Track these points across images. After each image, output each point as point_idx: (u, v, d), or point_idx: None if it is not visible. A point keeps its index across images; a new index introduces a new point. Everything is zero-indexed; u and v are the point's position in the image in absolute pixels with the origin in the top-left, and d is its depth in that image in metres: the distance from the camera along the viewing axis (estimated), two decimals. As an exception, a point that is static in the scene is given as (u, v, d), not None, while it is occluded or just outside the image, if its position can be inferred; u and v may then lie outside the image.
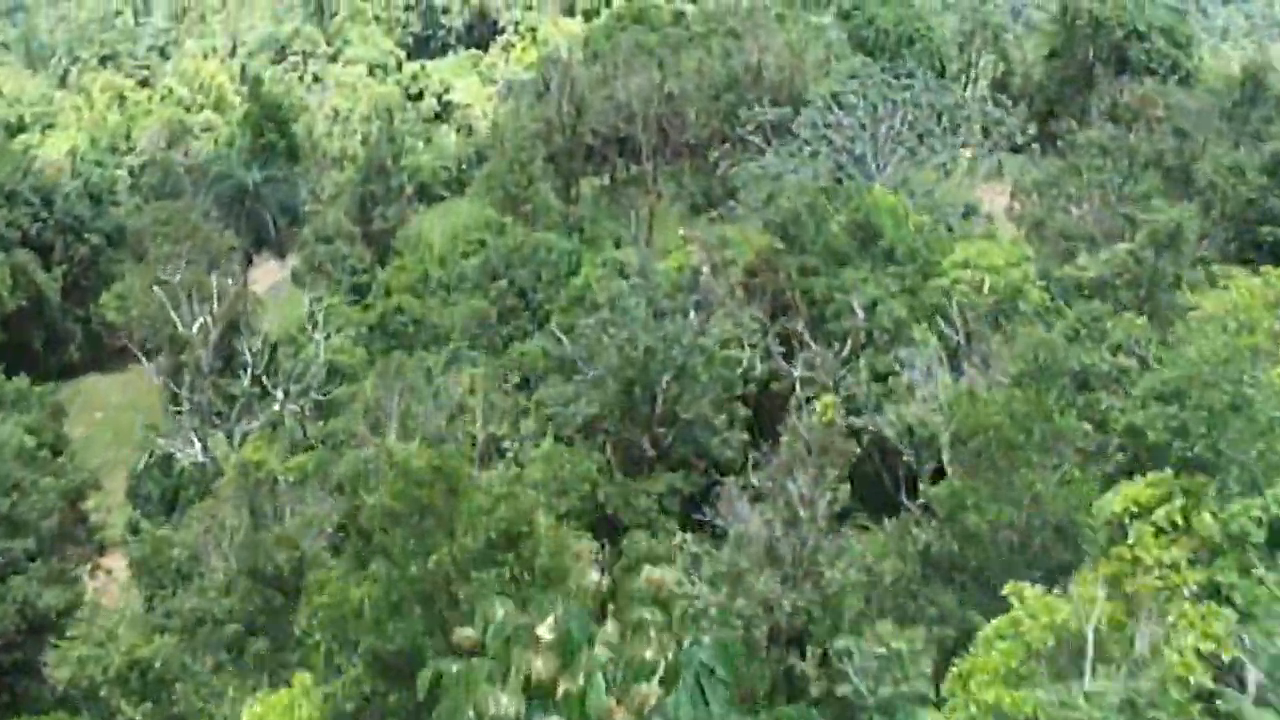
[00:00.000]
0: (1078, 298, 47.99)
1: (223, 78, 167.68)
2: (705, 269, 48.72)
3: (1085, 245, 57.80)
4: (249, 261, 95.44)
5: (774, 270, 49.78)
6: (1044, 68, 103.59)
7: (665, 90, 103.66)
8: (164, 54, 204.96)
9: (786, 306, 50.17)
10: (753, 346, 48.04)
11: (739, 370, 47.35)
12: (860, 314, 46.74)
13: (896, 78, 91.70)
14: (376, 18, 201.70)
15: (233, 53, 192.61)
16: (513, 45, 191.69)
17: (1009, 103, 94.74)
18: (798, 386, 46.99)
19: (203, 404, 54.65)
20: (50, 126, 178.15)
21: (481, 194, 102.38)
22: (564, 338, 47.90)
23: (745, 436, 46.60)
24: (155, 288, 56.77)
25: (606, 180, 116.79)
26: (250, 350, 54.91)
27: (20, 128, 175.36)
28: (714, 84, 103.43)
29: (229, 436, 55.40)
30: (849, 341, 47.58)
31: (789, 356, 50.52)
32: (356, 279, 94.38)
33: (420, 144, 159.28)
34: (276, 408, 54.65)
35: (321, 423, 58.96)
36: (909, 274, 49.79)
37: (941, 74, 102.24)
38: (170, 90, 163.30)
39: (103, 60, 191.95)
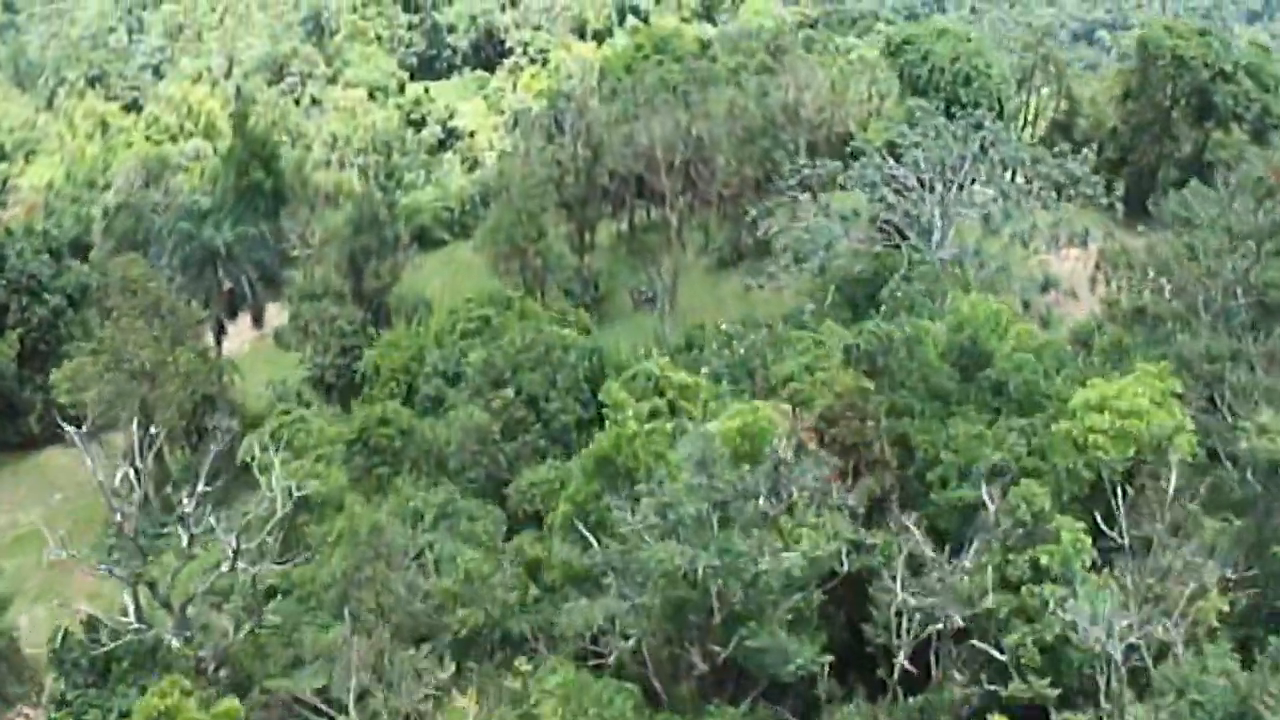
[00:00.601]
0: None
1: (212, 103, 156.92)
2: (782, 445, 37.29)
3: (1229, 364, 46.82)
4: (221, 330, 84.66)
5: (861, 417, 38.62)
6: (1118, 110, 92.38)
7: (693, 133, 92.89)
8: (158, 73, 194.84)
9: (874, 462, 38.98)
10: (831, 529, 36.50)
11: (816, 555, 35.95)
12: (991, 502, 35.20)
13: (951, 118, 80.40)
14: (378, 37, 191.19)
15: (228, 73, 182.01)
16: (521, 68, 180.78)
17: (1083, 152, 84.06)
18: (899, 586, 35.54)
19: (130, 570, 43.88)
20: (33, 153, 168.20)
21: (486, 245, 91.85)
22: (590, 537, 36.29)
23: (828, 658, 35.33)
24: (71, 432, 46.59)
25: (625, 225, 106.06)
26: (184, 507, 44.01)
27: (1, 155, 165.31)
28: (747, 126, 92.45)
29: (167, 606, 44.59)
30: (965, 530, 36.30)
31: (872, 519, 39.33)
32: (345, 341, 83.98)
33: (421, 175, 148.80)
34: (225, 567, 43.79)
35: (285, 563, 48.19)
36: (1037, 428, 38.51)
37: (1000, 115, 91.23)
38: (155, 118, 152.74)
39: (91, 81, 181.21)
